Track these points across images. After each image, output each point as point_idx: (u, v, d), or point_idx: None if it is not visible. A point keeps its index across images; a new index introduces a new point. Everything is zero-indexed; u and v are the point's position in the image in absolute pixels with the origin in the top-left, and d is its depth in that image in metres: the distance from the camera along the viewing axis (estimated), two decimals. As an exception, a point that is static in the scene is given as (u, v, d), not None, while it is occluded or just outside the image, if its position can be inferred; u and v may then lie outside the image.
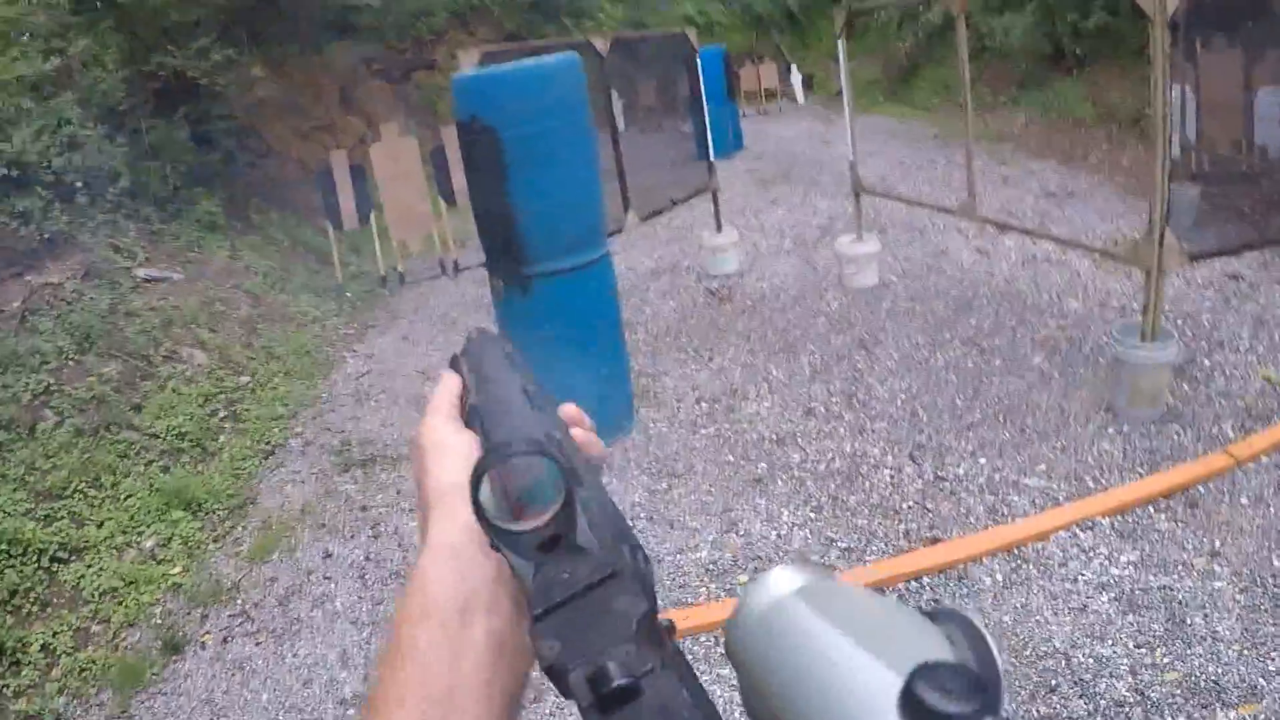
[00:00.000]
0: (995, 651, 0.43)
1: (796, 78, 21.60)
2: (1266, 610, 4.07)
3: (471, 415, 0.76)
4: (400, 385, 7.91)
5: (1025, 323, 7.28)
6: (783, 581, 0.51)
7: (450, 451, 0.71)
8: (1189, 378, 6.11)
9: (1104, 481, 5.17)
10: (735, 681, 0.53)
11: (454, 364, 0.86)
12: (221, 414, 7.35)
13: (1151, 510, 4.87)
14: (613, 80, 9.19)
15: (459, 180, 9.61)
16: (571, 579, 0.54)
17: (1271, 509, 4.77)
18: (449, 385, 0.81)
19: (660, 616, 0.53)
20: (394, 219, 10.71)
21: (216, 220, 10.57)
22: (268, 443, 7.12)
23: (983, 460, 5.55)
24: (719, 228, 9.77)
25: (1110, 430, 5.65)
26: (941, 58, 17.99)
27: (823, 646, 0.44)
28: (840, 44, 8.54)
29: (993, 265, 8.66)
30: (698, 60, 9.51)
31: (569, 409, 0.75)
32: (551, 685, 0.50)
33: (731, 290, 9.21)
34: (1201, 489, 4.98)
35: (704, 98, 13.26)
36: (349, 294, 10.78)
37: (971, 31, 16.78)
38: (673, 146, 10.31)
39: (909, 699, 0.37)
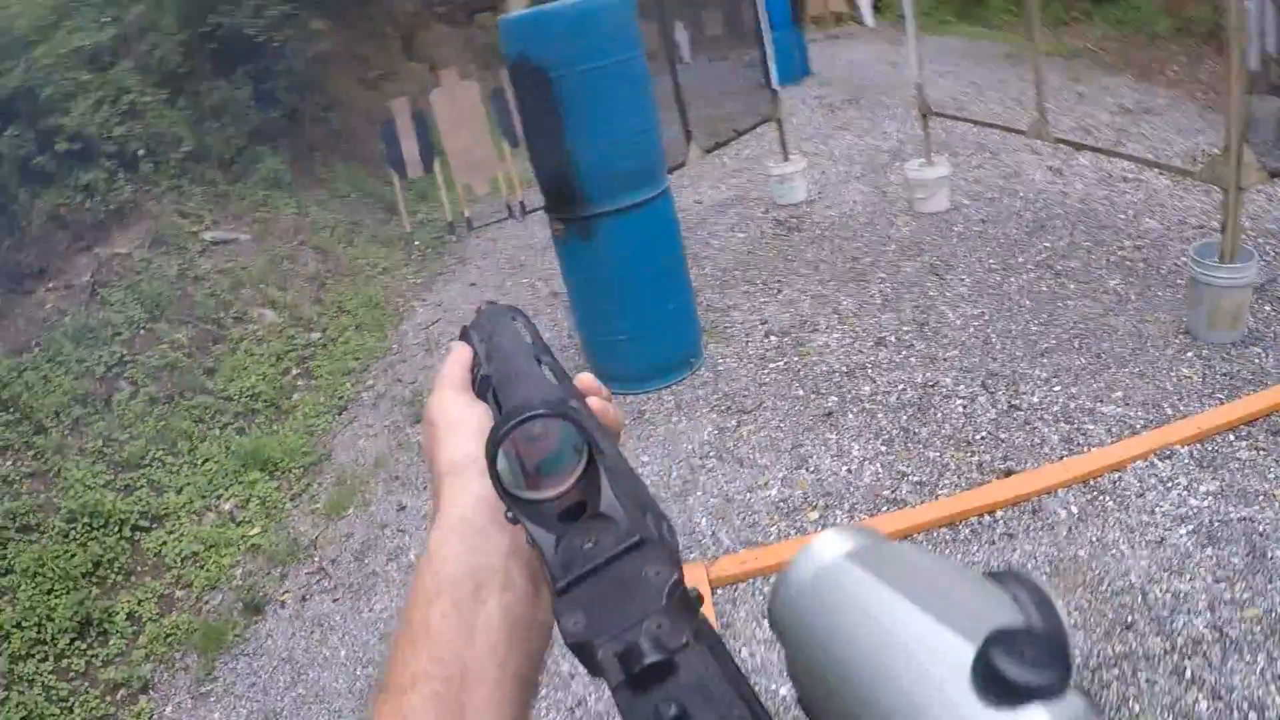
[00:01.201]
0: (1063, 617, 0.41)
1: (864, 0, 21.06)
2: None
3: (483, 386, 0.74)
4: None
5: (1101, 244, 7.02)
6: (833, 544, 0.49)
7: (461, 424, 0.70)
8: (1271, 298, 5.85)
9: (1182, 409, 4.98)
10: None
11: (464, 335, 0.83)
12: (294, 372, 7.45)
13: (1232, 438, 4.67)
14: (672, 11, 8.99)
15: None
16: (596, 549, 0.51)
17: None
18: (459, 356, 0.79)
19: (689, 584, 0.49)
20: (458, 164, 10.62)
21: (282, 178, 10.60)
22: (340, 398, 7.20)
23: (1057, 388, 5.38)
24: (785, 156, 9.53)
25: (1189, 354, 5.44)
26: (1013, -27, 17.39)
27: (881, 612, 0.42)
28: None
29: (1066, 185, 8.35)
30: None
31: (585, 378, 0.71)
32: (578, 663, 0.48)
33: (800, 219, 9.02)
34: None
35: (768, 24, 12.99)
36: (417, 242, 10.79)
37: (1043, -56, 16.43)
38: (736, 76, 10.10)
39: (983, 668, 0.36)
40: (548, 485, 0.57)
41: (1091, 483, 4.54)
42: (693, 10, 11.72)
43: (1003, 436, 5.04)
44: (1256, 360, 5.28)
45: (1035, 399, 5.31)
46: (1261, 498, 4.22)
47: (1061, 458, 4.76)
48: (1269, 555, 3.87)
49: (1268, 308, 5.75)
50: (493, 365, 0.74)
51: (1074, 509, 4.38)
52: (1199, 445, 4.65)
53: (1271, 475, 4.36)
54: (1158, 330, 5.74)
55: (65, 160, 7.94)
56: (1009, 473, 4.75)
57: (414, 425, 6.39)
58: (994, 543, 4.28)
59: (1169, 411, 4.98)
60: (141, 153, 8.66)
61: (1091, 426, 4.97)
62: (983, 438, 5.07)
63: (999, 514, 4.46)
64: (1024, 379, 5.52)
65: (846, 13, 21.03)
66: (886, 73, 14.68)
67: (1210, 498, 4.27)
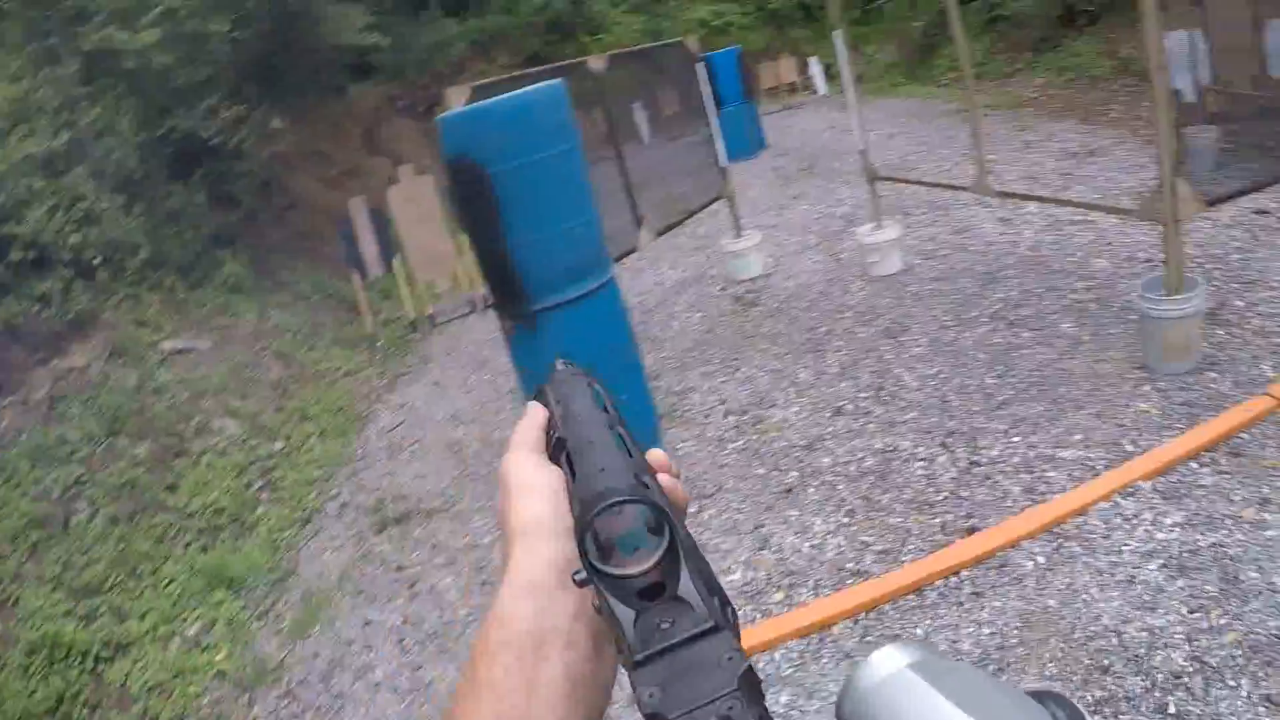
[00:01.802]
0: None
1: (816, 69, 21.42)
2: None
3: (557, 448, 0.75)
4: (432, 434, 7.88)
5: (1053, 289, 7.03)
6: (899, 655, 0.54)
7: (535, 487, 0.71)
8: (1222, 321, 5.84)
9: (1143, 443, 4.93)
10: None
11: (539, 395, 0.86)
12: (257, 484, 7.36)
13: (1194, 465, 4.63)
14: (630, 92, 9.07)
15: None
16: (673, 629, 0.54)
17: None
18: (535, 418, 0.81)
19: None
20: (418, 260, 10.68)
21: (243, 282, 10.57)
22: (304, 509, 7.10)
23: (1016, 439, 5.33)
24: (739, 233, 9.61)
25: (1146, 389, 5.41)
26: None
27: (938, 716, 0.46)
28: (836, 36, 8.32)
29: (1017, 234, 8.41)
30: (698, 67, 9.37)
31: (656, 453, 0.73)
32: None
33: (757, 293, 9.05)
34: (1245, 435, 4.74)
35: (719, 101, 13.13)
36: (380, 342, 10.76)
37: (982, 3, 16.78)
38: (686, 156, 10.18)
39: None
40: (625, 561, 0.59)
41: (1056, 530, 4.47)
42: (649, 90, 11.84)
43: (964, 495, 4.98)
44: (1213, 385, 5.25)
45: (995, 453, 5.26)
46: (1229, 521, 4.17)
47: (1024, 509, 4.68)
48: (1241, 578, 3.82)
49: (1220, 331, 5.74)
50: (568, 430, 0.75)
51: (1040, 559, 4.31)
52: (1162, 478, 4.60)
53: (1237, 497, 4.32)
54: (1114, 368, 5.71)
55: (20, 270, 7.83)
56: (972, 531, 4.68)
57: (378, 534, 6.38)
58: (961, 604, 4.20)
59: (1129, 448, 4.93)
60: (98, 261, 8.54)
61: (1053, 474, 4.92)
62: (944, 498, 5.01)
63: (964, 574, 4.38)
64: (983, 434, 5.48)
65: (799, 82, 21.29)
66: (839, 139, 14.88)
67: (1177, 529, 4.21)
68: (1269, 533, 4.03)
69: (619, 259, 7.42)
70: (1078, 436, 5.17)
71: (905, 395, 6.19)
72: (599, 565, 0.58)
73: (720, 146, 9.29)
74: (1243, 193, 5.68)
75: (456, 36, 24.72)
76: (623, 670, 0.56)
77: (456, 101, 5.80)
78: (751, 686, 0.50)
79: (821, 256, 9.59)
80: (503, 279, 5.43)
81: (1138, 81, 11.24)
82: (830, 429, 6.07)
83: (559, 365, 0.91)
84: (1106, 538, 4.31)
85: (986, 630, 3.98)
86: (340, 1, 16.24)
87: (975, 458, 5.26)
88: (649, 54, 10.26)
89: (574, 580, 0.59)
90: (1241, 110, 8.72)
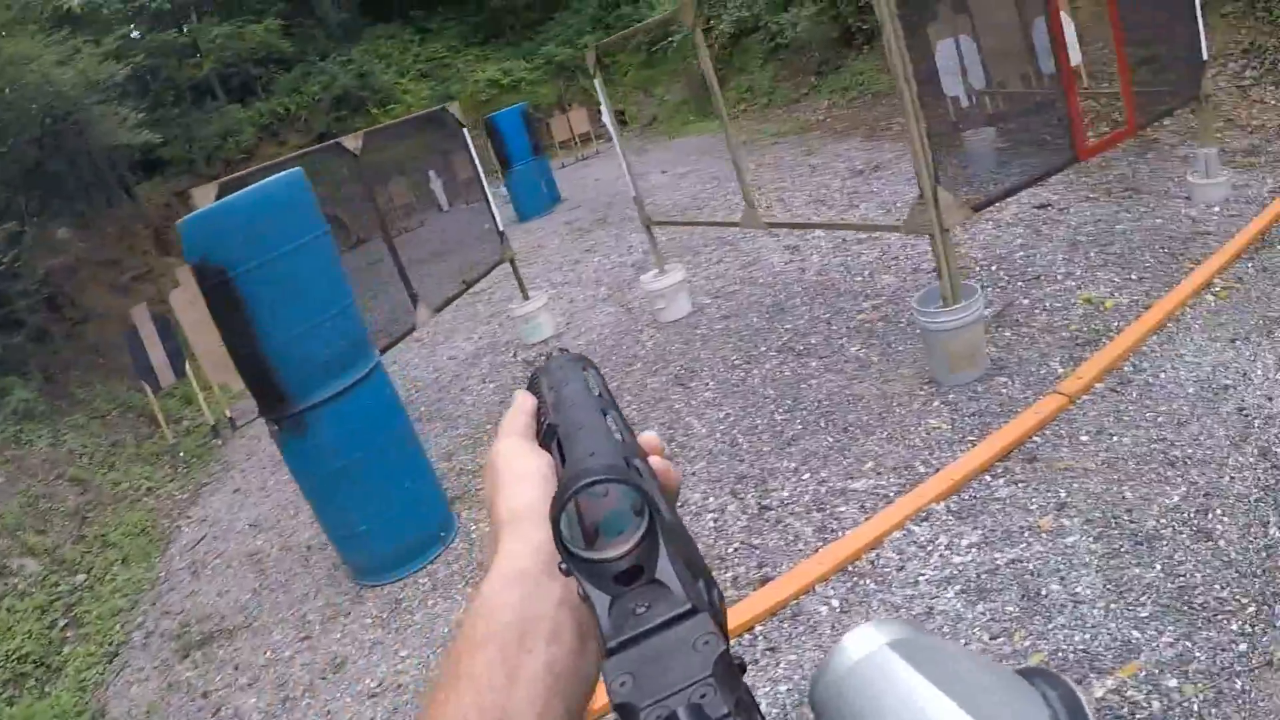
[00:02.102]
0: (1089, 712, 0.44)
1: (608, 116, 21.49)
2: (1127, 552, 3.75)
3: (548, 435, 0.74)
4: (233, 546, 7.40)
5: (839, 312, 6.95)
6: (876, 634, 0.51)
7: (524, 473, 0.70)
8: (1010, 322, 5.80)
9: (935, 462, 4.80)
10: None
11: (532, 382, 0.85)
12: (61, 623, 6.85)
13: (988, 479, 4.52)
14: (375, 176, 8.71)
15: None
16: (649, 613, 0.52)
17: (1114, 437, 4.50)
18: (524, 404, 0.80)
19: (734, 656, 0.50)
20: (209, 363, 10.06)
21: (33, 407, 9.95)
22: (111, 643, 6.62)
23: (806, 476, 5.14)
24: (525, 295, 9.33)
25: (936, 404, 5.29)
26: (742, 65, 17.96)
27: (920, 703, 0.44)
28: (597, 82, 8.15)
29: (804, 260, 8.35)
30: (465, 132, 9.10)
31: (648, 436, 0.72)
32: None
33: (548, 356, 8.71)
34: (1038, 439, 4.67)
35: (508, 160, 12.86)
36: (182, 453, 10.18)
37: (763, 32, 16.99)
38: (463, 225, 9.87)
39: None
40: (606, 545, 0.57)
41: (850, 568, 4.27)
42: (418, 163, 11.50)
43: (756, 543, 4.74)
44: (1003, 390, 5.16)
45: (785, 494, 5.05)
46: (1027, 533, 4.04)
47: (816, 550, 4.44)
48: (1043, 593, 3.67)
49: (1008, 333, 5.70)
50: (559, 415, 0.74)
51: (835, 602, 4.08)
52: (955, 497, 4.46)
53: (1034, 505, 4.20)
54: (903, 387, 5.58)
55: None
56: (765, 580, 4.41)
57: (182, 660, 6.00)
58: (757, 661, 3.92)
59: (921, 469, 4.79)
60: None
61: (844, 508, 4.73)
62: (736, 549, 4.75)
63: (758, 629, 4.11)
64: (773, 475, 5.27)
65: (593, 132, 21.29)
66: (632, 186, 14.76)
67: (974, 549, 4.06)
68: (1068, 539, 3.92)
69: (396, 341, 7.28)
70: (869, 464, 4.99)
71: (695, 444, 5.96)
72: (574, 549, 0.57)
73: (495, 211, 9.03)
74: (1010, 192, 5.60)
75: (244, 122, 24.74)
76: None
77: (203, 201, 5.48)
78: (728, 670, 0.48)
79: (614, 308, 9.39)
80: (262, 382, 5.22)
81: (921, 87, 11.39)
82: (617, 492, 5.72)
83: (554, 353, 0.90)
84: (901, 569, 4.12)
85: (784, 687, 3.72)
86: (107, 101, 15.77)
87: (765, 501, 5.03)
88: (412, 125, 9.88)
89: (560, 569, 0.58)
90: (1015, 109, 8.86)
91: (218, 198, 5.39)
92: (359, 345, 5.48)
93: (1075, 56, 8.29)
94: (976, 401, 5.14)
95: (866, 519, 4.54)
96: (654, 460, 0.67)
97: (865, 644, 0.51)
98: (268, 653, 5.67)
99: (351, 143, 7.47)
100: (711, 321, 7.87)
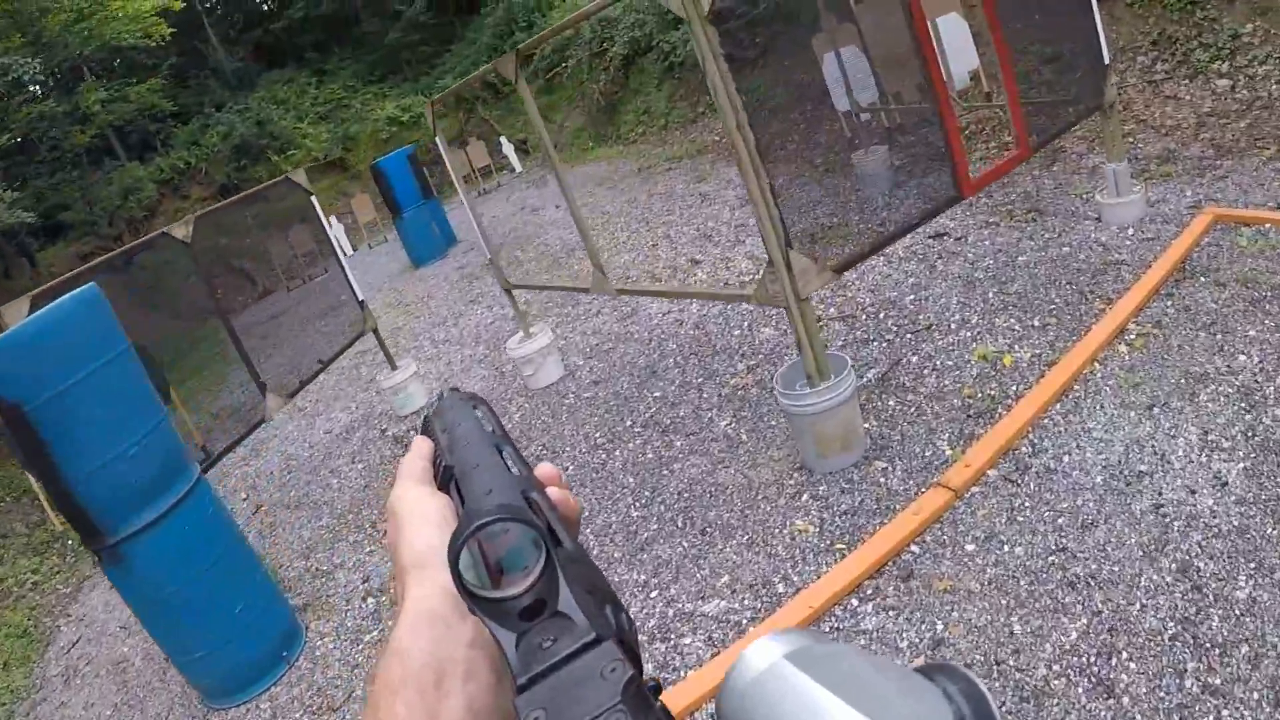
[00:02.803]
0: (994, 707, 0.43)
1: (508, 148, 20.89)
2: (1011, 713, 3.08)
3: (445, 476, 0.75)
4: (104, 652, 6.85)
5: (712, 376, 6.20)
6: (774, 647, 0.50)
7: (423, 516, 0.71)
8: (895, 387, 5.07)
9: (797, 578, 4.06)
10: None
11: (426, 426, 0.86)
12: None
13: (855, 603, 3.78)
14: (212, 264, 7.95)
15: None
16: (555, 647, 0.52)
17: (1004, 546, 3.77)
18: (420, 449, 0.81)
19: (647, 679, 0.51)
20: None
21: None
22: None
23: (655, 593, 4.39)
24: (393, 365, 8.56)
25: (804, 498, 4.54)
26: (638, 87, 17.29)
27: (821, 713, 0.43)
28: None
29: (682, 311, 7.57)
30: (314, 200, 8.32)
31: (544, 467, 0.72)
32: None
33: (417, 430, 7.94)
34: (915, 548, 3.94)
35: (398, 206, 12.09)
36: (70, 541, 9.57)
37: (656, 52, 16.34)
38: (319, 298, 9.12)
39: None
40: (509, 583, 0.58)
41: (685, 727, 3.47)
42: (261, 241, 10.78)
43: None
44: (881, 480, 4.41)
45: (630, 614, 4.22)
46: None
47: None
48: None
49: (891, 401, 4.95)
50: (455, 456, 0.75)
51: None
52: (815, 627, 3.67)
53: (906, 638, 3.52)
54: (771, 473, 4.83)
55: None
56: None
57: None
58: None
59: (781, 589, 4.05)
60: None
61: (689, 639, 3.98)
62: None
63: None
64: (620, 589, 4.47)
65: (493, 164, 20.71)
66: (528, 221, 14.23)
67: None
68: (944, 690, 3.10)
69: (245, 435, 6.97)
70: (724, 579, 4.24)
71: None
72: (475, 590, 0.57)
73: (352, 279, 8.23)
74: (879, 246, 4.85)
75: (144, 179, 24.28)
76: None
77: (13, 318, 5.17)
78: (638, 696, 0.48)
79: (487, 371, 8.62)
80: (72, 515, 4.88)
81: (813, 106, 10.72)
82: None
83: (445, 393, 0.90)
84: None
85: None
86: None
87: (607, 628, 4.22)
88: (252, 200, 9.04)
89: (471, 611, 0.58)
90: (914, 120, 8.23)
91: (30, 312, 5.09)
92: (175, 465, 5.09)
93: (964, 66, 7.66)
94: (850, 495, 4.38)
95: (713, 655, 3.80)
96: (552, 491, 0.67)
97: (763, 657, 0.48)
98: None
99: (180, 230, 6.79)
100: (581, 388, 7.09)
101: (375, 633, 5.36)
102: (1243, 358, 4.37)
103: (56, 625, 7.97)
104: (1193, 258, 5.38)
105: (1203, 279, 5.14)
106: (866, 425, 4.79)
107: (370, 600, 5.74)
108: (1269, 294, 4.80)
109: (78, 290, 4.82)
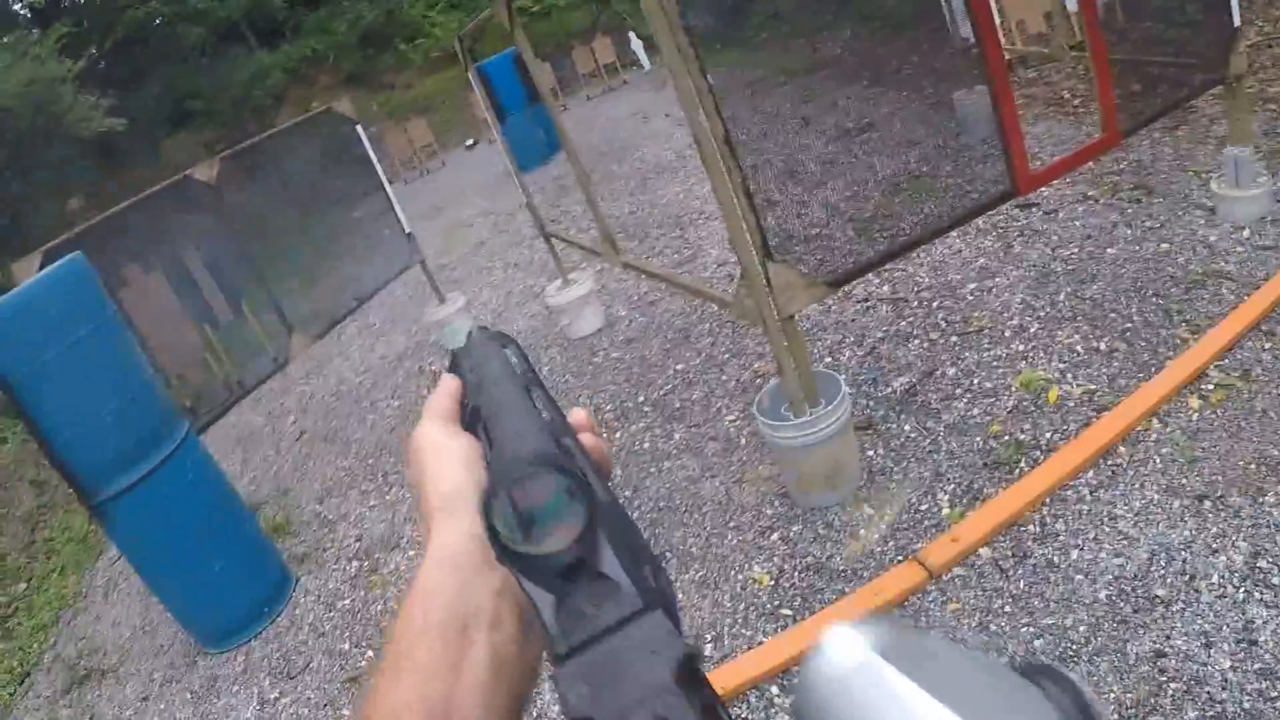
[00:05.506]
0: (1100, 714, 0.41)
1: (637, 44, 20.02)
2: None
3: (472, 417, 0.74)
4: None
5: (739, 353, 5.59)
6: (864, 639, 0.45)
7: (450, 456, 0.70)
8: (918, 407, 4.40)
9: (729, 640, 3.55)
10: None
11: (453, 364, 0.84)
12: None
13: (774, 691, 3.25)
14: (238, 203, 7.52)
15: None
16: (598, 614, 0.49)
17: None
18: (447, 387, 0.80)
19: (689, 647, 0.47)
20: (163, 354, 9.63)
21: None
22: (28, 663, 6.44)
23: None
24: (441, 298, 8.28)
25: (775, 536, 3.97)
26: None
27: (918, 716, 0.40)
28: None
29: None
30: (360, 130, 7.84)
31: (577, 412, 0.71)
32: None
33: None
34: None
35: (501, 112, 11.82)
36: None
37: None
38: (360, 233, 8.66)
39: None
40: (544, 537, 0.53)
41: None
42: (332, 165, 10.37)
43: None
44: (862, 529, 3.74)
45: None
46: None
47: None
48: None
49: (908, 426, 4.30)
50: (483, 396, 0.73)
51: None
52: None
53: None
54: (753, 495, 4.27)
55: None
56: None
57: (64, 697, 5.74)
58: None
59: (710, 649, 3.53)
60: None
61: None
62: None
63: None
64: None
65: (618, 61, 20.07)
66: (636, 130, 13.58)
67: None
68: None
69: (267, 379, 6.87)
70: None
71: None
72: (511, 545, 0.53)
73: (400, 212, 7.91)
74: (887, 257, 4.06)
75: (271, 66, 24.52)
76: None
77: (23, 275, 5.17)
78: (691, 674, 0.45)
79: (538, 308, 8.12)
80: (62, 475, 5.02)
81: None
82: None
83: (474, 331, 0.87)
84: None
85: None
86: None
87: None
88: (286, 134, 8.52)
89: (498, 559, 0.55)
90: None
91: (40, 269, 5.17)
92: (157, 429, 5.16)
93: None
94: (821, 544, 3.76)
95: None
96: (584, 437, 0.66)
97: (849, 650, 0.44)
98: (115, 708, 5.35)
99: (205, 172, 6.44)
100: (615, 345, 6.59)
101: (349, 600, 5.18)
102: (1339, 445, 3.52)
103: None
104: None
105: (1321, 316, 4.26)
106: (870, 453, 4.12)
107: (354, 563, 5.54)
108: (1403, 350, 3.93)
109: (63, 260, 4.89)
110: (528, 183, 8.48)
